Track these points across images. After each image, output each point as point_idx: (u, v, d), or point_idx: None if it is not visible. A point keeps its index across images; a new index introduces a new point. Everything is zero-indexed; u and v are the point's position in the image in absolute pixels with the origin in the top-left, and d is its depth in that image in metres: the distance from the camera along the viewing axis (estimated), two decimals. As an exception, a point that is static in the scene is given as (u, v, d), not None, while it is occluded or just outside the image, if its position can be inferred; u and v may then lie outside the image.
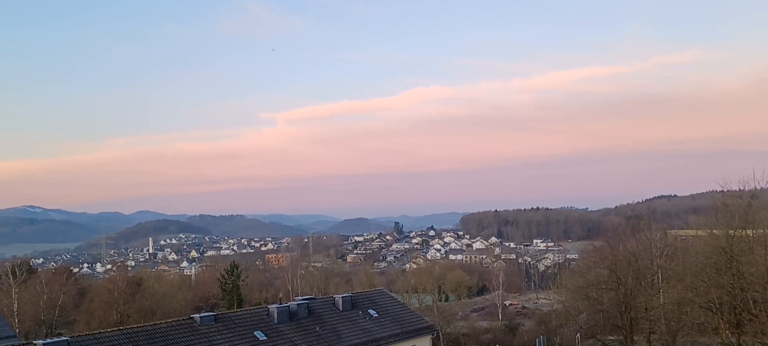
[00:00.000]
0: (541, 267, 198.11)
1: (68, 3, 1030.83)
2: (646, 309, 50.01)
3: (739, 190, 48.41)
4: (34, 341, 33.52)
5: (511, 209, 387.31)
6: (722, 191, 52.57)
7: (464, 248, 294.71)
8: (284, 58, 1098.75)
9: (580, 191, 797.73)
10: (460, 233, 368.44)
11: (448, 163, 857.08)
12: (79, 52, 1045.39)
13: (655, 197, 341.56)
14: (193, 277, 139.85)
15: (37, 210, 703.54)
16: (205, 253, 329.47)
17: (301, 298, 43.80)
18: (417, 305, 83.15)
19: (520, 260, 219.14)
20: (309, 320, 38.68)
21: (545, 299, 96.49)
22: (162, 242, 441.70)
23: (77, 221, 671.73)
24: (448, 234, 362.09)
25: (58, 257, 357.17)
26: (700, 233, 57.45)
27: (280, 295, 79.30)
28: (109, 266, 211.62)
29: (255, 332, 35.29)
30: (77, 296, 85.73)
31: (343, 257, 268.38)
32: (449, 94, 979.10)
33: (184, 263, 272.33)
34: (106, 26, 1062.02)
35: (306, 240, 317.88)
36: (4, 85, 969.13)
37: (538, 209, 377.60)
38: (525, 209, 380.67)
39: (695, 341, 48.81)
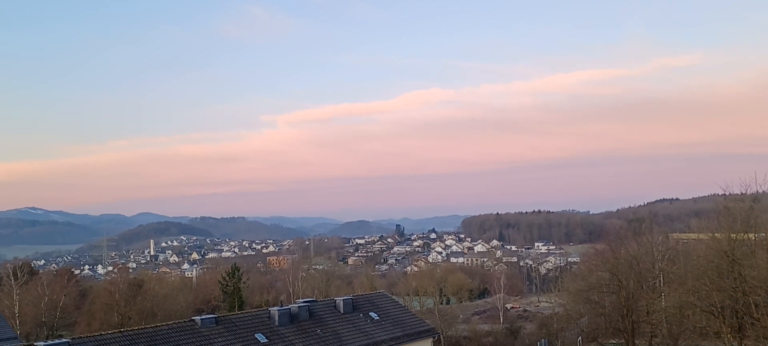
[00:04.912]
0: (543, 270, 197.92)
1: (70, 4, 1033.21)
2: (647, 313, 49.93)
3: (741, 193, 48.27)
4: (35, 343, 33.50)
5: (512, 211, 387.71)
6: (724, 194, 52.37)
7: (465, 250, 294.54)
8: (284, 60, 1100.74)
9: (582, 194, 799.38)
10: (462, 235, 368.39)
11: (449, 165, 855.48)
12: (80, 53, 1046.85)
13: (657, 200, 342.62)
14: (194, 279, 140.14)
15: (39, 212, 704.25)
16: (207, 255, 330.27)
17: (302, 300, 43.73)
18: (418, 308, 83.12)
19: (521, 263, 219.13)
20: (310, 322, 38.68)
21: (546, 302, 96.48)
22: (163, 244, 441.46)
23: (79, 222, 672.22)
24: (450, 237, 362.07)
25: (60, 259, 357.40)
26: (701, 236, 57.35)
27: (282, 297, 79.38)
28: (110, 268, 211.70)
29: (256, 335, 35.26)
30: (78, 297, 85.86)
31: (344, 259, 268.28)
32: (449, 97, 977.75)
33: (185, 265, 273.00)
34: (106, 28, 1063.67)
35: (307, 242, 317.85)
36: (5, 87, 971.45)
37: (539, 211, 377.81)
38: (526, 212, 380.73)
39: (697, 345, 48.74)
